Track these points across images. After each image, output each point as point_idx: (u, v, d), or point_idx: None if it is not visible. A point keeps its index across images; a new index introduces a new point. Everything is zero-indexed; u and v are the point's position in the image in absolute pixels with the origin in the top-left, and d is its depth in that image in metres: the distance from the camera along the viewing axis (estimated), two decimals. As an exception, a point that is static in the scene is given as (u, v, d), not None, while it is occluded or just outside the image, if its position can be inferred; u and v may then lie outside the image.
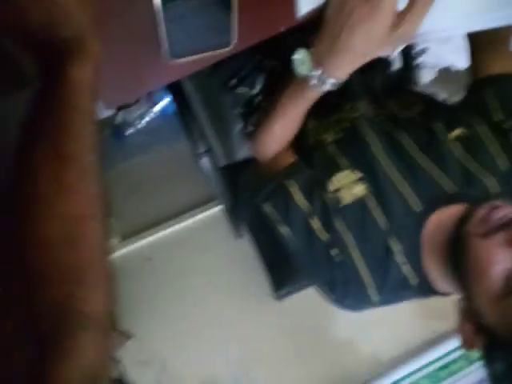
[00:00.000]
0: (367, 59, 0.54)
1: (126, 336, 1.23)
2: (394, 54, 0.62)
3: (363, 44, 0.51)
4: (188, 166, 1.29)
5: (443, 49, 0.69)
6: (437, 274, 0.63)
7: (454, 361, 1.08)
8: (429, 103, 0.80)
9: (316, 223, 0.66)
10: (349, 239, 0.65)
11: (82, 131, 0.33)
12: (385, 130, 0.73)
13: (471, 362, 1.08)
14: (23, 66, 0.41)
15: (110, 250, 0.33)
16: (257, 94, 0.88)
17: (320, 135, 0.76)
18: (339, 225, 0.65)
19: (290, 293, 1.16)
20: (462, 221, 0.59)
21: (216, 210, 1.43)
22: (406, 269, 0.64)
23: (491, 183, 0.67)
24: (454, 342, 1.08)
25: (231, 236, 1.37)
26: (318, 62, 0.54)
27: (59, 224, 0.29)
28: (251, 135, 0.77)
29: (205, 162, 1.04)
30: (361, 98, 0.79)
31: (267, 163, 0.74)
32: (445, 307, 0.67)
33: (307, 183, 0.68)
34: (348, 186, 0.68)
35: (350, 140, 0.73)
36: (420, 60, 0.69)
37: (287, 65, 0.60)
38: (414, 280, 0.64)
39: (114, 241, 1.42)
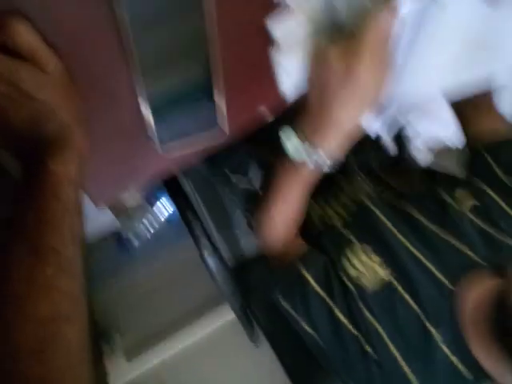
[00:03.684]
0: (356, 128, 0.52)
1: None
2: (387, 140, 0.61)
3: (348, 113, 0.49)
4: (196, 270, 1.24)
5: (433, 129, 0.69)
6: (490, 359, 0.53)
7: None
8: (432, 174, 0.77)
9: (343, 314, 0.59)
10: (381, 329, 0.57)
11: (63, 223, 0.32)
12: (393, 207, 0.69)
13: None
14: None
15: (88, 356, 0.28)
16: (258, 190, 0.87)
17: (327, 221, 0.73)
18: (367, 314, 0.58)
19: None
20: (502, 292, 0.52)
21: (230, 315, 1.33)
22: (453, 356, 0.55)
23: None
24: None
25: (248, 342, 1.26)
26: (310, 144, 0.52)
27: (31, 329, 0.27)
28: (255, 230, 0.73)
29: (212, 263, 0.99)
30: (361, 179, 0.77)
31: (277, 255, 0.69)
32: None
33: (324, 272, 0.62)
34: (370, 269, 0.62)
35: (360, 223, 0.68)
36: (413, 144, 0.68)
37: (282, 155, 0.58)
38: (465, 368, 0.54)
39: (121, 360, 1.31)
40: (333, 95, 0.48)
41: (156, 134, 0.46)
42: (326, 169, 0.54)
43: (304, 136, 0.52)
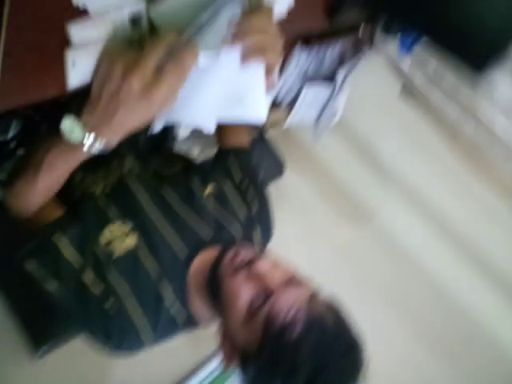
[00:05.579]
0: (137, 128, 0.58)
1: None
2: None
3: (135, 121, 0.56)
4: None
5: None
6: (201, 309, 0.73)
7: (217, 377, 1.24)
8: (187, 162, 0.93)
9: (88, 277, 0.66)
10: (122, 290, 0.68)
11: None
12: (151, 185, 0.80)
13: (229, 375, 1.26)
14: None
15: None
16: (11, 140, 0.82)
17: (88, 188, 0.77)
18: (112, 277, 0.68)
19: (52, 347, 1.09)
20: (216, 263, 0.71)
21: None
22: (174, 310, 0.72)
23: (236, 229, 0.84)
24: (216, 362, 1.24)
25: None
26: (89, 132, 0.55)
27: None
28: (5, 184, 0.70)
29: None
30: (127, 155, 0.84)
31: (29, 216, 0.69)
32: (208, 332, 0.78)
33: (77, 237, 0.68)
34: (119, 237, 0.71)
35: (119, 194, 0.76)
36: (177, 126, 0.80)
37: (45, 116, 0.58)
38: (181, 319, 0.73)
39: None
40: (124, 104, 0.52)
41: None
42: (99, 152, 0.58)
43: (84, 124, 0.55)
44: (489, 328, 1.72)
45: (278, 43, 0.59)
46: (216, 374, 1.26)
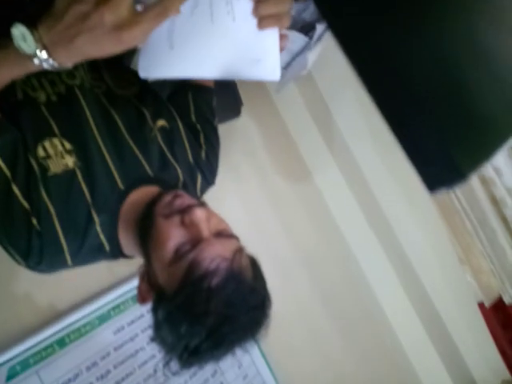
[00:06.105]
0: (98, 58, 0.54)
1: None
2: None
3: (96, 52, 0.51)
4: None
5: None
6: (128, 243, 0.74)
7: (125, 302, 1.27)
8: (143, 87, 0.86)
9: (20, 188, 0.63)
10: (53, 208, 0.66)
11: None
12: (100, 104, 0.75)
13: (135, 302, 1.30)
14: None
15: None
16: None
17: (31, 92, 0.70)
18: (45, 193, 0.65)
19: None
20: (153, 202, 0.70)
21: None
22: (103, 236, 0.72)
23: (180, 172, 0.82)
24: (129, 286, 1.27)
25: None
26: (44, 47, 0.50)
27: None
28: None
29: None
30: (80, 65, 0.76)
31: None
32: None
33: (11, 145, 0.63)
34: (58, 154, 0.67)
35: (64, 108, 0.71)
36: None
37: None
38: (108, 246, 0.73)
39: None
40: (88, 33, 0.48)
41: None
42: (50, 68, 0.53)
43: (39, 37, 0.50)
44: (383, 301, 1.92)
45: (292, 7, 0.60)
46: (124, 298, 1.29)
